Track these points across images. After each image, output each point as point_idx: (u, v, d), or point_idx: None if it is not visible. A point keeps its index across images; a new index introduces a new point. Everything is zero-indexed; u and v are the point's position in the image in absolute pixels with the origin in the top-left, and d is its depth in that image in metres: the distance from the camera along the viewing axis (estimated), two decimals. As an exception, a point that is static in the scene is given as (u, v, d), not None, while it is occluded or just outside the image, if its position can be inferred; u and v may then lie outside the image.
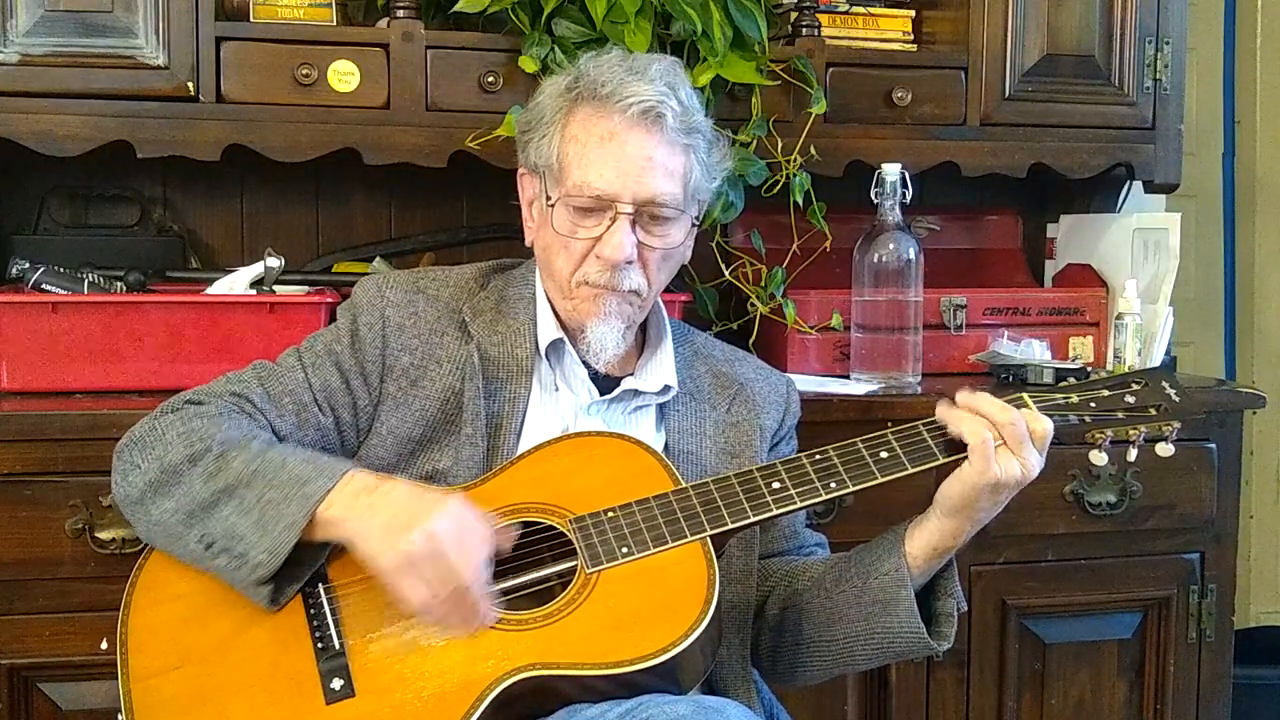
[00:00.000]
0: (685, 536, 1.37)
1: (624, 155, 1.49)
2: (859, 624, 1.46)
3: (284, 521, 1.34)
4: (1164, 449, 1.48)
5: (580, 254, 1.52)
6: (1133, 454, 1.49)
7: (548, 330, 1.57)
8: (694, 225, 1.58)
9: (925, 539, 1.43)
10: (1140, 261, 2.33)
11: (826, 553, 1.65)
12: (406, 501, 1.34)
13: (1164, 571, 2.16)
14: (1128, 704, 2.16)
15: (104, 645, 1.75)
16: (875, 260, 2.11)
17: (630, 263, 1.50)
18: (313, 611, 1.38)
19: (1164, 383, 1.49)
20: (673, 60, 1.59)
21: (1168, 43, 2.32)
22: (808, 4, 2.20)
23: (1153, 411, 1.47)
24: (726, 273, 2.20)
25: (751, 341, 2.16)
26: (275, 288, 2.02)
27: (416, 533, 1.30)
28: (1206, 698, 2.18)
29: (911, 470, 1.41)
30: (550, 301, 1.59)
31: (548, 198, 1.53)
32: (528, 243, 1.63)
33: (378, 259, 2.33)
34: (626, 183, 1.48)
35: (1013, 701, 2.10)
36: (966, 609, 1.50)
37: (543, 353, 1.57)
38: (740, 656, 1.51)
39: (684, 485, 1.43)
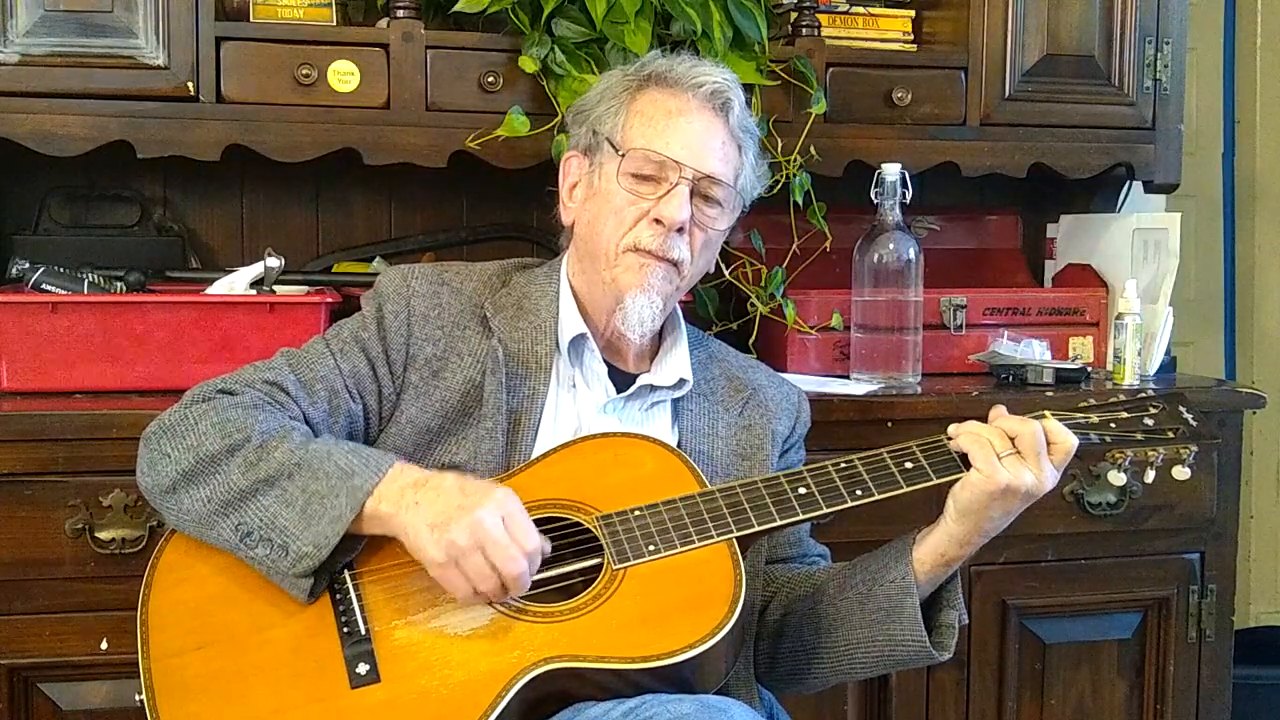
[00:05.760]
0: (712, 537, 1.38)
1: (691, 130, 1.54)
2: (862, 630, 1.46)
3: (330, 514, 1.34)
4: (1180, 472, 1.49)
5: (631, 220, 1.54)
6: (1150, 475, 1.50)
7: (571, 325, 1.58)
8: (730, 226, 1.62)
9: (934, 544, 1.43)
10: (1140, 261, 2.33)
11: (828, 564, 1.65)
12: (453, 495, 1.34)
13: (1164, 571, 2.16)
14: (1128, 704, 2.16)
15: (104, 645, 1.75)
16: (875, 260, 2.11)
17: (681, 231, 1.53)
18: (339, 597, 1.38)
19: (1181, 407, 1.51)
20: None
21: (1168, 43, 2.32)
22: (808, 4, 2.20)
23: (1170, 434, 1.48)
24: (726, 273, 2.20)
25: (751, 341, 2.16)
26: (275, 288, 2.02)
27: (461, 528, 1.30)
28: (1206, 698, 2.18)
29: (936, 481, 1.42)
30: (576, 295, 1.60)
31: (615, 149, 1.55)
32: (565, 223, 1.64)
33: (377, 259, 2.33)
34: (690, 154, 1.53)
35: (1012, 701, 2.10)
36: (968, 621, 1.50)
37: (563, 349, 1.57)
38: (744, 657, 1.51)
39: (710, 488, 1.44)
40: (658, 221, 1.52)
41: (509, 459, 1.51)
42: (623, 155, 1.54)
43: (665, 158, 1.52)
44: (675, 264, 1.54)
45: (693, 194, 1.53)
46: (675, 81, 1.56)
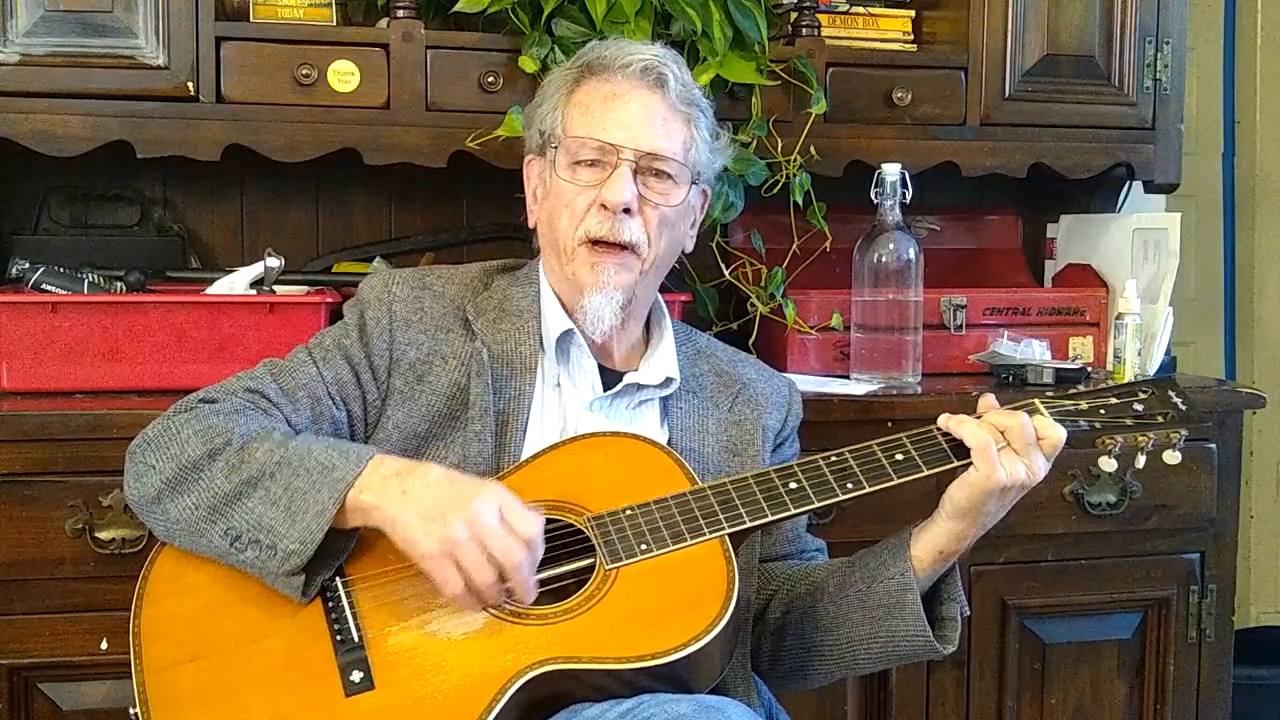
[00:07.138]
0: (704, 534, 1.38)
1: (627, 110, 1.53)
2: (864, 627, 1.46)
3: (314, 509, 1.33)
4: (1171, 456, 1.49)
5: (582, 210, 1.53)
6: (1141, 461, 1.51)
7: (557, 322, 1.57)
8: (693, 200, 1.60)
9: (931, 541, 1.43)
10: (1140, 261, 2.33)
11: (826, 558, 1.65)
12: (443, 486, 1.34)
13: (1164, 571, 2.16)
14: (1128, 704, 2.16)
15: (104, 645, 1.75)
16: (875, 260, 2.11)
17: (629, 212, 1.52)
18: (330, 604, 1.38)
19: (1170, 391, 1.51)
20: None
21: (1168, 43, 2.32)
22: (808, 4, 2.20)
23: (1160, 419, 1.48)
24: (726, 273, 2.20)
25: (751, 341, 2.16)
26: (275, 288, 2.02)
27: (457, 520, 1.30)
28: (1206, 698, 2.18)
29: (927, 472, 1.42)
30: (555, 292, 1.59)
31: (554, 148, 1.55)
32: (531, 225, 1.64)
33: (378, 259, 2.33)
34: (628, 134, 1.52)
35: (1012, 701, 2.10)
36: (969, 613, 1.50)
37: (549, 348, 1.57)
38: (740, 655, 1.51)
39: (701, 485, 1.43)
40: (603, 206, 1.52)
41: (498, 461, 1.50)
42: (556, 147, 1.55)
43: (601, 141, 1.52)
44: (629, 248, 1.53)
45: (640, 173, 1.53)
46: (606, 66, 1.56)
